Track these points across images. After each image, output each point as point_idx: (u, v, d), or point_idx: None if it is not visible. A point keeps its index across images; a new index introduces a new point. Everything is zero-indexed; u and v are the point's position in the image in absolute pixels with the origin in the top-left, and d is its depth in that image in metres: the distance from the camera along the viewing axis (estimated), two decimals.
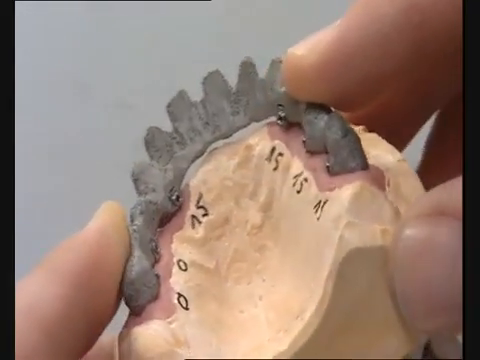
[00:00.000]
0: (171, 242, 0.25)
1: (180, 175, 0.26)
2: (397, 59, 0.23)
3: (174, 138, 0.25)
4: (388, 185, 0.23)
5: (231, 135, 0.26)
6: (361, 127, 0.26)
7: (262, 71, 0.26)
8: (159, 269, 0.24)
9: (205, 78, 0.26)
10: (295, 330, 0.22)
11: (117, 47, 0.64)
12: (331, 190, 0.23)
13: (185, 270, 0.24)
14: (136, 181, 0.25)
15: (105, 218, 0.24)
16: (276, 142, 0.25)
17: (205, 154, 0.26)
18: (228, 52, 0.58)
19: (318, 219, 0.23)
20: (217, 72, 0.26)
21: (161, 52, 0.62)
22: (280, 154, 0.25)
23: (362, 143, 0.23)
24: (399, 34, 0.22)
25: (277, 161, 0.25)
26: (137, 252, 0.24)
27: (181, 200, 0.25)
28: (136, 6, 0.63)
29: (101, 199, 0.25)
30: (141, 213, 0.24)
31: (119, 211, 0.25)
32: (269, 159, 0.25)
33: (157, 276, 0.24)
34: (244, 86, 0.26)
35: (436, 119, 0.30)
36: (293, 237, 0.24)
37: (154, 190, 0.25)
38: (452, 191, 0.20)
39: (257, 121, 0.26)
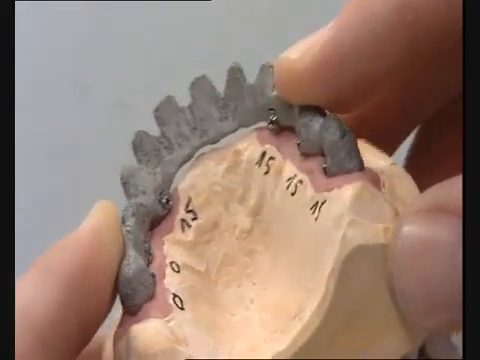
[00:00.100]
0: (162, 244, 0.25)
1: (169, 179, 0.26)
2: (391, 58, 0.23)
3: (162, 142, 0.26)
4: (383, 186, 0.23)
5: (219, 140, 0.26)
6: None
7: (261, 64, 0.26)
8: (153, 270, 0.24)
9: (192, 83, 0.26)
10: (294, 330, 0.22)
11: (117, 47, 0.64)
12: (329, 190, 0.23)
13: (178, 272, 0.24)
14: (125, 184, 0.25)
15: (99, 218, 0.24)
16: (266, 146, 0.26)
17: (192, 159, 0.26)
18: (228, 52, 0.58)
19: (316, 220, 0.23)
20: (204, 77, 0.26)
21: (161, 52, 0.62)
22: (271, 158, 0.25)
23: None
24: (392, 33, 0.22)
25: (268, 165, 0.25)
26: (132, 252, 0.24)
27: (171, 203, 0.26)
28: (136, 6, 0.63)
29: (101, 199, 0.25)
30: (133, 215, 0.25)
31: (113, 211, 0.25)
32: (259, 163, 0.26)
33: (153, 275, 0.24)
34: (232, 91, 0.26)
35: (418, 131, 0.30)
36: (286, 240, 0.24)
37: (144, 193, 0.25)
38: (451, 189, 0.20)
39: (246, 126, 0.26)
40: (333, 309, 0.21)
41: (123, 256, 0.24)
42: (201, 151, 0.26)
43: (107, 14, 0.64)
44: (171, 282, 0.24)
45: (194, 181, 0.26)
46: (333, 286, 0.21)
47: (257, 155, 0.26)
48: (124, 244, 0.24)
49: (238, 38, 0.62)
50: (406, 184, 0.24)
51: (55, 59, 0.64)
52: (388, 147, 0.29)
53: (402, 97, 0.29)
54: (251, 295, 0.24)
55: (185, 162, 0.26)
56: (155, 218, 0.25)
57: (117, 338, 0.23)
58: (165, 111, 0.26)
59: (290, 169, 0.25)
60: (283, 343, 0.22)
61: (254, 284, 0.25)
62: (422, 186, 0.24)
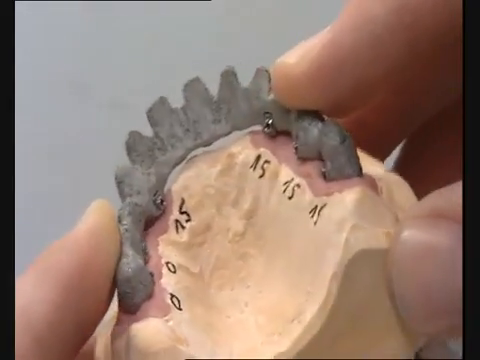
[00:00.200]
0: (157, 245, 0.25)
1: (163, 180, 0.26)
2: (390, 61, 0.23)
3: (155, 143, 0.26)
4: (381, 192, 0.24)
5: (212, 143, 0.26)
6: None
7: (256, 68, 0.26)
8: (150, 269, 0.24)
9: (186, 85, 0.26)
10: (293, 332, 0.22)
11: (116, 47, 0.64)
12: (328, 195, 0.23)
13: (174, 272, 0.24)
14: (120, 184, 0.25)
15: (95, 217, 0.24)
16: (261, 150, 0.25)
17: (185, 161, 0.26)
18: (228, 52, 0.58)
19: (315, 223, 0.23)
20: (198, 79, 0.26)
21: (161, 52, 0.62)
22: (266, 161, 0.25)
23: None
24: (391, 35, 0.22)
25: (263, 168, 0.25)
26: (130, 251, 0.24)
27: (165, 204, 0.25)
28: (135, 6, 0.63)
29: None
30: (129, 214, 0.25)
31: (109, 210, 0.24)
32: (254, 167, 0.25)
33: (151, 274, 0.24)
34: (225, 94, 0.26)
35: (409, 136, 0.30)
36: (283, 243, 0.24)
37: (139, 193, 0.25)
38: (451, 195, 0.20)
39: (239, 130, 0.26)
40: (335, 312, 0.21)
41: (120, 255, 0.24)
42: (193, 153, 0.26)
43: (106, 14, 0.64)
44: (168, 282, 0.24)
45: (187, 183, 0.26)
46: (336, 289, 0.21)
47: (252, 158, 0.26)
48: (121, 243, 0.24)
49: (238, 38, 0.62)
50: (403, 191, 0.25)
51: (54, 59, 0.64)
52: (383, 150, 0.29)
53: (399, 100, 0.28)
54: (245, 298, 0.24)
55: (178, 163, 0.26)
56: (149, 218, 0.25)
57: (115, 336, 0.23)
58: (158, 112, 0.26)
59: (286, 173, 0.25)
60: (283, 345, 0.22)
61: (248, 287, 0.25)
62: (414, 191, 0.25)
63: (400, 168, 0.29)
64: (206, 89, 0.26)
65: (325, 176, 0.24)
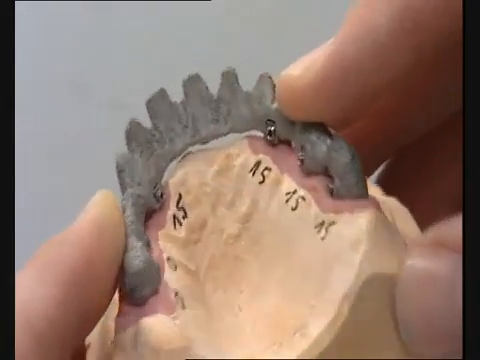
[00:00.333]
0: (157, 239, 0.24)
1: (161, 172, 0.25)
2: (395, 68, 0.23)
3: (153, 135, 0.25)
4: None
5: (209, 141, 0.26)
6: None
7: (264, 71, 0.26)
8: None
9: (186, 80, 0.26)
10: (297, 345, 0.22)
11: (116, 47, 0.64)
12: (337, 212, 0.23)
13: (175, 269, 0.24)
14: (121, 172, 0.25)
15: (99, 208, 0.23)
16: (261, 156, 0.25)
17: (181, 156, 0.26)
18: (228, 52, 0.58)
19: (322, 239, 0.23)
20: (198, 76, 0.26)
21: (161, 52, 0.62)
22: (267, 169, 0.25)
23: None
24: (395, 42, 0.22)
25: (263, 175, 0.25)
26: (137, 242, 0.23)
27: (164, 197, 0.25)
28: (135, 6, 0.63)
29: None
30: (133, 205, 0.24)
31: (114, 201, 0.24)
32: (253, 172, 0.25)
33: (158, 268, 0.23)
34: (225, 95, 0.26)
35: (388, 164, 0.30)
36: (282, 252, 0.24)
37: (140, 184, 0.25)
38: (452, 226, 0.21)
39: (238, 132, 0.26)
40: (344, 331, 0.22)
41: (126, 247, 0.23)
42: (190, 149, 0.26)
43: (106, 14, 0.64)
44: (170, 278, 0.23)
45: (185, 178, 0.25)
46: (347, 309, 0.22)
47: (251, 163, 0.26)
48: (126, 235, 0.23)
49: (238, 38, 0.62)
50: (404, 217, 0.25)
51: (54, 59, 0.64)
52: (372, 164, 0.29)
53: (402, 107, 0.28)
54: (239, 302, 0.24)
55: (175, 158, 0.26)
56: (148, 211, 0.25)
57: (120, 328, 0.23)
58: (158, 104, 0.25)
59: (289, 183, 0.25)
60: (287, 356, 0.22)
61: (241, 292, 0.24)
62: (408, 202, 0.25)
63: (388, 180, 0.29)
64: (206, 87, 0.26)
65: (332, 192, 0.24)
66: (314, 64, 0.23)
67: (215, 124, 0.26)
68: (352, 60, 0.23)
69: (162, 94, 0.25)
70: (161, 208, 0.25)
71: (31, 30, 0.63)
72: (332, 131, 0.24)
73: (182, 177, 0.25)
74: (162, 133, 0.25)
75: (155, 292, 0.23)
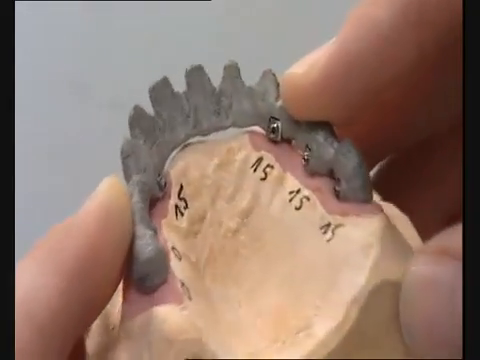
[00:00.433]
0: (160, 227, 0.24)
1: (163, 161, 0.25)
2: (399, 63, 0.23)
3: (156, 122, 0.25)
4: None
5: (210, 133, 0.26)
6: None
7: (263, 70, 0.26)
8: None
9: (189, 71, 0.26)
10: (302, 344, 0.22)
11: (116, 47, 0.64)
12: (343, 215, 0.23)
13: (180, 259, 0.24)
14: (127, 158, 0.24)
15: (107, 195, 0.23)
16: (263, 153, 0.25)
17: (181, 146, 0.26)
18: (228, 52, 0.58)
19: (328, 241, 0.23)
20: (201, 67, 0.26)
21: (161, 52, 0.62)
22: (269, 166, 0.25)
23: None
24: (399, 35, 0.22)
25: (265, 172, 0.25)
26: (147, 230, 0.23)
27: (167, 186, 0.25)
28: (135, 6, 0.63)
29: None
30: (139, 192, 0.24)
31: (121, 187, 0.23)
32: (255, 168, 0.25)
33: (167, 257, 0.23)
34: (227, 88, 0.26)
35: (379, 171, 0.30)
36: (285, 250, 0.24)
37: (145, 171, 0.24)
38: (453, 234, 0.21)
39: (240, 127, 0.26)
40: (351, 333, 0.22)
41: (134, 235, 0.23)
42: (190, 139, 0.26)
43: (106, 14, 0.64)
44: (175, 268, 0.23)
45: (185, 169, 0.25)
46: (356, 313, 0.22)
47: (253, 159, 0.25)
48: (133, 222, 0.23)
49: (238, 38, 0.62)
50: (403, 223, 0.25)
51: (54, 59, 0.64)
52: (370, 162, 0.28)
53: (406, 104, 0.28)
54: (239, 297, 0.24)
55: (176, 147, 0.26)
56: (152, 199, 0.24)
57: (128, 315, 0.23)
58: (161, 92, 0.25)
59: (292, 182, 0.25)
60: (292, 354, 0.22)
61: (241, 286, 0.24)
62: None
63: (384, 183, 0.29)
64: (208, 79, 0.26)
65: (337, 195, 0.24)
66: (318, 62, 0.23)
67: (216, 117, 0.26)
68: (356, 56, 0.22)
69: (165, 82, 0.25)
70: (163, 197, 0.25)
71: (31, 30, 0.63)
72: (335, 130, 0.25)
73: (183, 168, 0.25)
74: (165, 121, 0.25)
75: (164, 281, 0.23)
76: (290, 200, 0.25)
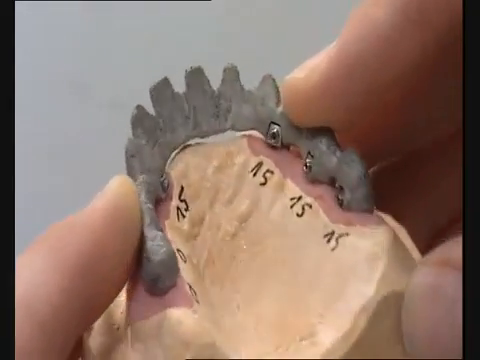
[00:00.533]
0: (165, 229, 0.24)
1: (165, 162, 0.25)
2: (402, 64, 0.22)
3: (157, 123, 0.25)
4: None
5: (209, 136, 0.26)
6: None
7: (264, 70, 0.26)
8: None
9: (189, 72, 0.25)
10: (307, 352, 0.22)
11: (116, 47, 0.64)
12: (348, 225, 0.23)
13: (185, 261, 0.24)
14: (132, 158, 0.24)
15: (116, 192, 0.22)
16: (262, 158, 0.25)
17: (180, 148, 0.26)
18: (228, 52, 0.58)
19: (333, 249, 0.23)
20: (200, 69, 0.26)
21: (161, 52, 0.62)
22: (269, 171, 0.25)
23: None
24: (401, 34, 0.22)
25: (265, 177, 0.25)
26: (157, 231, 0.23)
27: (170, 188, 0.25)
28: (135, 6, 0.63)
29: None
30: (147, 192, 0.23)
31: (131, 186, 0.23)
32: (254, 173, 0.25)
33: (177, 259, 0.23)
34: (226, 91, 0.26)
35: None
36: (285, 256, 0.24)
37: (149, 171, 0.24)
38: (456, 245, 0.21)
39: (238, 130, 0.26)
40: (359, 343, 0.22)
41: (144, 234, 0.22)
42: (189, 141, 0.26)
43: (106, 14, 0.64)
44: (182, 270, 0.23)
45: (186, 171, 0.25)
46: (364, 323, 0.22)
47: (252, 163, 0.25)
48: (142, 221, 0.23)
49: (238, 38, 0.62)
50: (402, 235, 0.25)
51: (54, 59, 0.64)
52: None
53: (407, 107, 0.28)
54: (237, 300, 0.24)
55: (176, 148, 0.26)
56: (156, 200, 0.24)
57: (138, 316, 0.22)
58: (162, 92, 0.25)
59: (293, 189, 0.25)
60: None
61: (238, 291, 0.24)
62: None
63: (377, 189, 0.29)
64: (208, 81, 0.26)
65: (340, 203, 0.24)
66: (319, 66, 0.23)
67: (216, 119, 0.26)
68: (356, 58, 0.22)
69: (166, 82, 0.25)
70: (166, 198, 0.25)
71: (31, 30, 0.63)
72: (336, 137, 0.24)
73: (183, 169, 0.25)
74: (165, 121, 0.25)
75: (174, 284, 0.22)
76: (291, 206, 0.25)
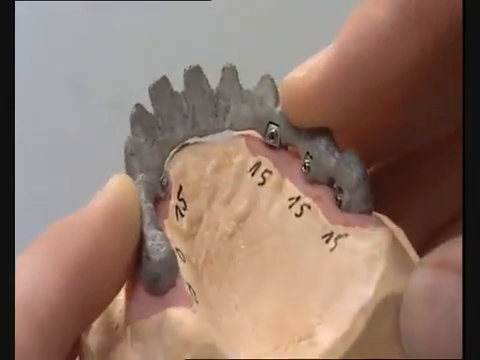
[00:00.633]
0: (164, 228, 0.24)
1: (164, 160, 0.25)
2: (402, 64, 0.22)
3: (156, 122, 0.25)
4: None
5: (207, 135, 0.26)
6: None
7: (264, 70, 0.26)
8: None
9: (187, 71, 0.25)
10: (306, 353, 0.22)
11: (116, 47, 0.64)
12: (347, 226, 0.23)
13: (184, 261, 0.24)
14: (131, 156, 0.24)
15: (116, 191, 0.22)
16: (260, 157, 0.25)
17: (178, 147, 0.26)
18: (228, 52, 0.58)
19: (332, 250, 0.23)
20: (199, 68, 0.26)
21: (160, 52, 0.62)
22: (268, 171, 0.25)
23: None
24: (401, 34, 0.22)
25: (264, 177, 0.25)
26: (157, 231, 0.23)
27: (169, 186, 0.25)
28: (135, 6, 0.63)
29: None
30: (146, 191, 0.23)
31: (131, 185, 0.23)
32: (253, 172, 0.25)
33: (177, 259, 0.23)
34: (225, 90, 0.26)
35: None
36: (283, 256, 0.24)
37: (149, 170, 0.24)
38: (455, 246, 0.21)
39: (236, 130, 0.26)
40: (358, 344, 0.22)
41: (142, 234, 0.22)
42: (188, 140, 0.26)
43: (106, 14, 0.64)
44: (181, 270, 0.23)
45: (184, 170, 0.25)
46: (363, 324, 0.22)
47: (250, 163, 0.25)
48: (142, 220, 0.23)
49: (238, 38, 0.62)
50: (400, 236, 0.25)
51: (54, 59, 0.64)
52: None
53: (399, 112, 0.28)
54: (235, 300, 0.24)
55: (175, 147, 0.26)
56: (156, 199, 0.24)
57: (138, 315, 0.22)
58: (161, 91, 0.25)
59: (292, 189, 0.25)
60: None
61: (236, 290, 0.24)
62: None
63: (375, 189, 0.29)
64: (206, 80, 0.26)
65: (339, 204, 0.24)
66: (318, 65, 0.23)
67: (214, 118, 0.26)
68: (355, 57, 0.22)
69: (165, 81, 0.25)
70: (165, 197, 0.25)
71: (31, 30, 0.63)
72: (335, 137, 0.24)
73: (182, 168, 0.25)
74: (164, 120, 0.25)
75: (174, 283, 0.22)
76: (290, 207, 0.25)
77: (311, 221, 0.24)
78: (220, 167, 0.25)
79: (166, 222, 0.24)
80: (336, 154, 0.24)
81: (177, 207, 0.25)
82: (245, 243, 0.25)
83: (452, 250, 0.21)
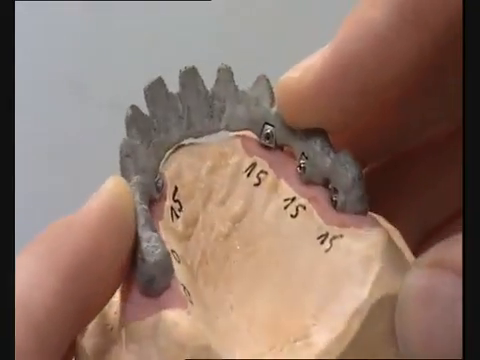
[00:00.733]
0: (159, 229, 0.24)
1: (159, 162, 0.25)
2: (399, 64, 0.22)
3: (152, 123, 0.25)
4: None
5: (203, 136, 0.26)
6: None
7: (263, 71, 0.26)
8: None
9: (183, 72, 0.25)
10: (301, 354, 0.22)
11: (116, 47, 0.64)
12: (342, 226, 0.23)
13: (179, 262, 0.24)
14: (126, 158, 0.24)
15: (111, 193, 0.22)
16: (256, 158, 0.25)
17: (173, 148, 0.26)
18: (228, 52, 0.58)
19: (327, 251, 0.23)
20: (194, 69, 0.26)
21: (160, 52, 0.62)
22: (263, 172, 0.25)
23: None
24: (398, 34, 0.22)
25: (259, 178, 0.25)
26: (152, 233, 0.23)
27: (164, 188, 0.25)
28: (135, 6, 0.63)
29: None
30: (141, 192, 0.23)
31: (126, 188, 0.23)
32: (248, 173, 0.25)
33: (172, 260, 0.23)
34: (220, 91, 0.26)
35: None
36: (278, 257, 0.24)
37: (144, 171, 0.24)
38: (452, 246, 0.21)
39: (232, 131, 0.26)
40: (353, 345, 0.22)
41: (139, 235, 0.23)
42: (183, 141, 0.26)
43: (106, 14, 0.64)
44: (176, 271, 0.23)
45: (179, 171, 0.25)
46: (358, 325, 0.22)
47: (246, 164, 0.25)
48: (137, 222, 0.23)
49: (238, 38, 0.63)
50: (395, 237, 0.25)
51: (54, 59, 0.64)
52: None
53: (404, 108, 0.28)
54: (230, 301, 0.24)
55: (170, 148, 0.26)
56: (150, 200, 0.24)
57: (133, 317, 0.22)
58: (156, 92, 0.25)
59: (287, 190, 0.25)
60: None
61: (231, 291, 0.24)
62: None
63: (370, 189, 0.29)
64: (202, 81, 0.26)
65: (334, 205, 0.24)
66: (313, 66, 0.23)
67: (209, 119, 0.26)
68: (352, 57, 0.22)
69: (160, 82, 0.25)
70: (160, 198, 0.25)
71: (31, 30, 0.63)
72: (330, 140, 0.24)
73: (177, 170, 0.25)
74: (159, 121, 0.25)
75: (169, 285, 0.22)
76: (285, 207, 0.25)
77: (306, 222, 0.24)
78: (215, 168, 0.25)
79: (161, 223, 0.24)
80: (331, 155, 0.24)
81: (172, 208, 0.25)
82: (241, 244, 0.25)
83: (449, 249, 0.21)
